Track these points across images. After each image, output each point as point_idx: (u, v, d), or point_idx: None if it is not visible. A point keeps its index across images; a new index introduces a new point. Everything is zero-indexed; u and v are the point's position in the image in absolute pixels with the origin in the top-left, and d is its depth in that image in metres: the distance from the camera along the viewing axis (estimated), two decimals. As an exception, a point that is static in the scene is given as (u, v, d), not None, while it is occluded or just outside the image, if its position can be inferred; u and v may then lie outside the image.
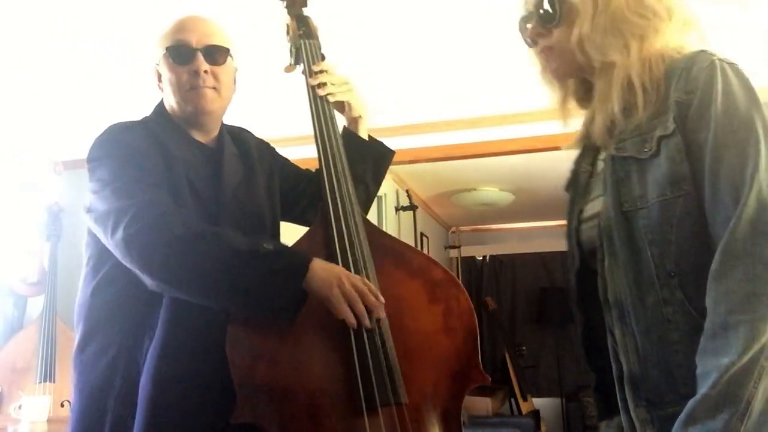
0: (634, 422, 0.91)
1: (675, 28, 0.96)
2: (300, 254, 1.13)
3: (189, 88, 1.30)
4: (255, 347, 1.11)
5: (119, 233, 1.12)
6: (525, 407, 5.33)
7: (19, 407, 2.81)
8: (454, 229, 6.23)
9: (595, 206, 1.02)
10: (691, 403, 0.80)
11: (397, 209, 4.31)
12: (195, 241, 1.10)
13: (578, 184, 1.08)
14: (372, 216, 4.03)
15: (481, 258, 6.34)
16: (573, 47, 0.98)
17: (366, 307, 1.10)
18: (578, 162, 1.11)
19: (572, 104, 1.11)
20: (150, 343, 1.18)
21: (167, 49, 1.31)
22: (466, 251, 6.20)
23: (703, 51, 0.92)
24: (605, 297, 0.95)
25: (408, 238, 4.48)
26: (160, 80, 1.36)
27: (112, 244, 1.15)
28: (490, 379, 1.21)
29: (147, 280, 1.13)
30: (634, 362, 0.91)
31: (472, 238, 6.31)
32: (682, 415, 0.80)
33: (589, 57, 0.98)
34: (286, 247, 1.14)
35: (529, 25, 1.05)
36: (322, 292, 1.09)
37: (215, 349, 1.10)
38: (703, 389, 0.79)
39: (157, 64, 1.36)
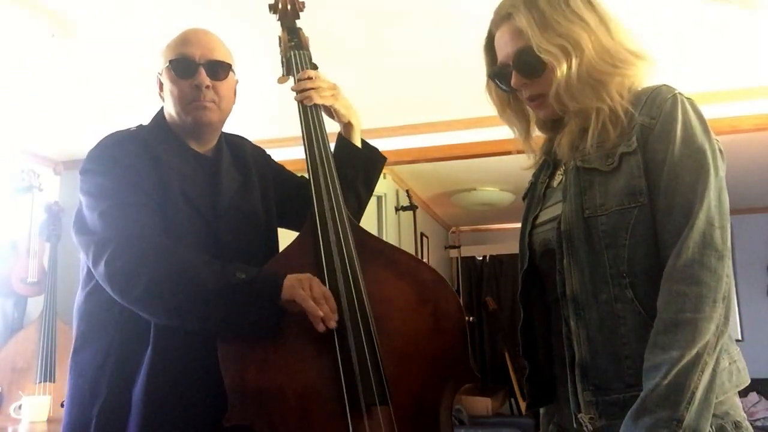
0: (579, 404, 1.00)
1: (641, 69, 1.07)
2: (271, 278, 1.14)
3: (190, 102, 1.32)
4: (245, 352, 1.12)
5: (101, 267, 1.15)
6: (525, 407, 5.32)
7: (19, 407, 2.81)
8: (454, 229, 6.22)
9: (550, 212, 1.12)
10: (643, 394, 0.88)
11: (397, 209, 4.31)
12: (171, 281, 1.12)
13: (535, 194, 1.21)
14: (372, 216, 4.05)
15: (481, 258, 6.32)
16: (552, 97, 1.07)
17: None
18: (536, 175, 1.23)
19: (533, 135, 1.23)
20: (142, 352, 1.20)
21: (170, 61, 1.33)
22: (466, 251, 6.18)
23: (665, 84, 1.03)
24: (563, 291, 1.03)
25: (408, 238, 4.48)
26: (161, 90, 1.39)
27: (94, 272, 1.18)
28: (480, 378, 1.22)
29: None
30: (586, 351, 1.00)
31: (472, 238, 6.30)
32: (635, 407, 0.89)
33: (565, 105, 1.07)
34: (259, 272, 1.15)
35: (513, 73, 1.11)
36: (290, 299, 1.11)
37: (208, 355, 1.12)
38: (654, 379, 0.87)
39: (160, 74, 1.38)
